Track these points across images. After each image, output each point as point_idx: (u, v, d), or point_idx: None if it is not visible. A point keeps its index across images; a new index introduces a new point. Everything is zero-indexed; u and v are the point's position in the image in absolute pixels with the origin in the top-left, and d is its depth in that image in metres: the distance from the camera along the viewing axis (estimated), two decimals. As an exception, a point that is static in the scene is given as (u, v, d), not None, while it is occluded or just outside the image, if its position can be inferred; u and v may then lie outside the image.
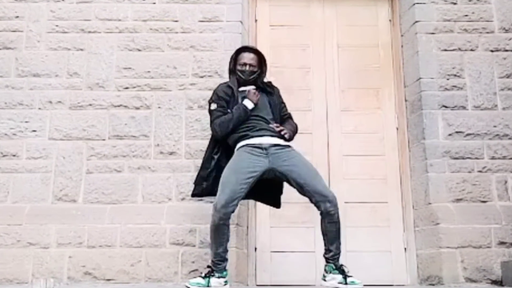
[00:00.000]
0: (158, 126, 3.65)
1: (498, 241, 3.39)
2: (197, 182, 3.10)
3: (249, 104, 2.97)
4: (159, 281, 3.31)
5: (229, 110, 3.01)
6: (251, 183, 2.86)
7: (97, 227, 3.41)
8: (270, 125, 2.98)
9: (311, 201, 2.88)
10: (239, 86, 3.10)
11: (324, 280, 2.83)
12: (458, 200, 3.53)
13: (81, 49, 3.79)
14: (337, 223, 2.83)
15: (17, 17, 3.84)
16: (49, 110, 3.69)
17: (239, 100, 3.02)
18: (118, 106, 3.70)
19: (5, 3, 3.86)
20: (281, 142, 2.95)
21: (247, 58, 3.09)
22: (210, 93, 3.59)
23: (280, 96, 3.21)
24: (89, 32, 3.82)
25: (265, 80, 3.19)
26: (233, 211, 2.81)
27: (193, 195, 3.16)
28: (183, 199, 3.53)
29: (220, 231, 2.79)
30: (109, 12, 3.86)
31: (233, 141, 3.00)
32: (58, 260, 3.33)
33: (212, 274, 2.78)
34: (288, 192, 3.61)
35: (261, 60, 3.16)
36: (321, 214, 2.84)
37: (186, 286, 2.73)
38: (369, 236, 3.76)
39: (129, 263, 3.34)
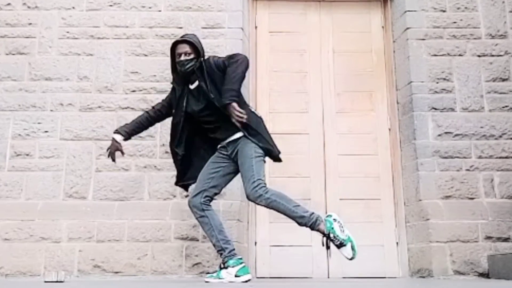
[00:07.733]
0: (163, 127, 3.62)
1: (485, 236, 3.43)
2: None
3: (116, 136, 3.10)
4: (165, 274, 3.34)
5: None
6: (216, 176, 2.96)
7: (106, 222, 3.44)
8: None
9: None
10: (185, 82, 2.99)
11: None
12: (447, 197, 3.57)
13: (91, 54, 3.80)
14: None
15: (30, 24, 3.84)
16: (60, 112, 3.70)
17: (184, 97, 2.97)
18: (126, 108, 3.72)
19: (19, 11, 3.85)
20: (235, 137, 2.92)
21: (180, 48, 2.94)
22: (213, 96, 3.75)
23: (214, 64, 2.91)
24: (98, 38, 3.83)
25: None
26: (201, 203, 2.90)
27: (176, 183, 3.15)
28: (186, 196, 3.39)
29: (200, 223, 2.94)
30: (117, 19, 3.87)
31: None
32: (69, 254, 3.37)
33: (223, 266, 2.85)
34: (286, 189, 3.73)
35: (196, 47, 2.94)
36: None
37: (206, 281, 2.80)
38: (363, 231, 3.74)
39: (136, 257, 3.37)
